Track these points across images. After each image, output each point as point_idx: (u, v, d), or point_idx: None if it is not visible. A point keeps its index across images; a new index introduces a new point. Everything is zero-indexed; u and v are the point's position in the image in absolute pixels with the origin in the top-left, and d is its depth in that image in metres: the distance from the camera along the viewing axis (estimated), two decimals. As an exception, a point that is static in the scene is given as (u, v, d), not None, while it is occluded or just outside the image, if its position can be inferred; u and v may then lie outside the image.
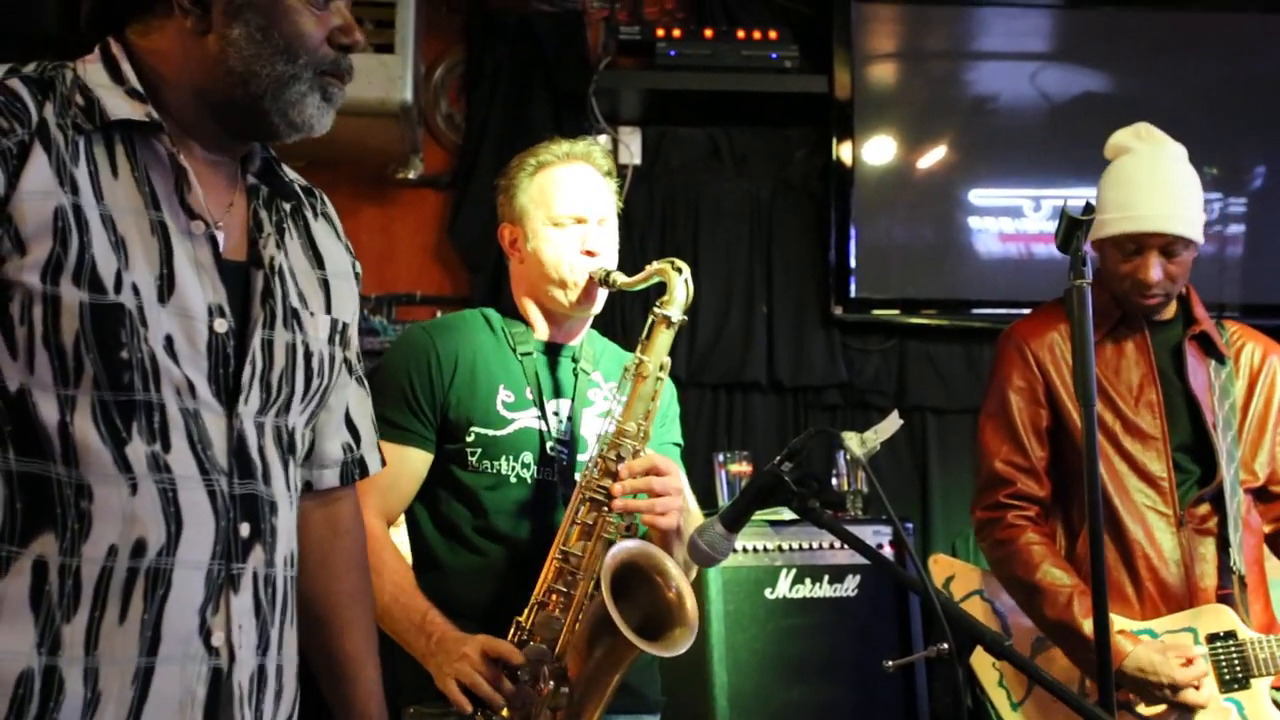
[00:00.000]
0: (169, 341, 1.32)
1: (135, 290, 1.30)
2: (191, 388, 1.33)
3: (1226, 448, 2.52)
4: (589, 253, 2.17)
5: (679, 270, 2.15)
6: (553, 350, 2.23)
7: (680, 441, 2.32)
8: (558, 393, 2.19)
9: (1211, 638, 2.45)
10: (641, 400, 2.08)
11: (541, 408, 2.15)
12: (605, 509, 2.03)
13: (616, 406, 2.10)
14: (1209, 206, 4.13)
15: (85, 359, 1.28)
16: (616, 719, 2.09)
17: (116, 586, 1.28)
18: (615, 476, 2.03)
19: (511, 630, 1.99)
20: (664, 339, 2.12)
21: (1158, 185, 2.52)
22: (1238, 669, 2.44)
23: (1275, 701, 2.45)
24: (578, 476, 2.11)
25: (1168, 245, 2.49)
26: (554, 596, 2.00)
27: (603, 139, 3.99)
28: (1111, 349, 2.57)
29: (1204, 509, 2.51)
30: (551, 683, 1.95)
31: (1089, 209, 2.01)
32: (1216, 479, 2.50)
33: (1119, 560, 2.49)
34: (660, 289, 2.17)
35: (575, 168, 2.23)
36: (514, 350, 2.19)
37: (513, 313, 2.25)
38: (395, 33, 3.42)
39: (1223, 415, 2.54)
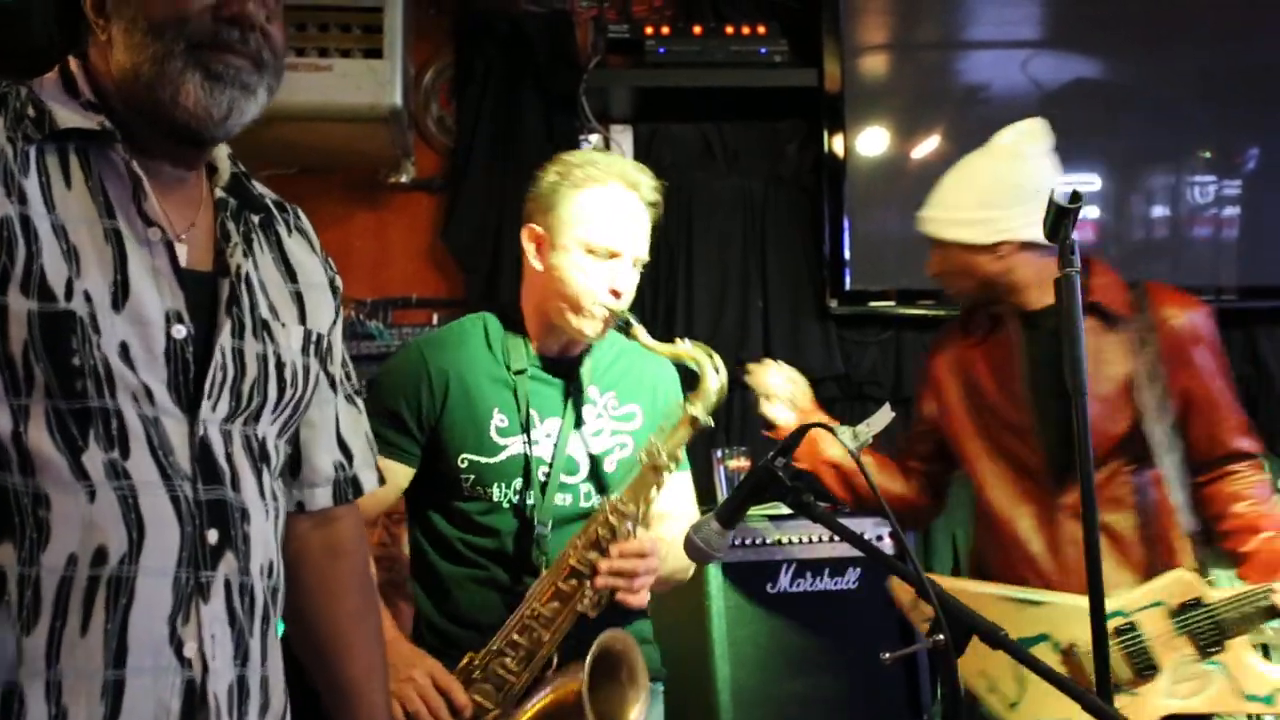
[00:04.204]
0: (124, 348, 1.30)
1: (87, 297, 1.28)
2: (149, 394, 1.31)
3: (1166, 438, 2.50)
4: (615, 292, 2.12)
5: (714, 364, 2.11)
6: (549, 367, 2.18)
7: (686, 464, 2.30)
8: (549, 412, 2.16)
9: (1181, 608, 2.45)
10: (646, 486, 2.07)
11: (528, 432, 2.12)
12: (587, 583, 2.02)
13: (619, 492, 2.08)
14: (1204, 189, 4.14)
15: (35, 367, 1.25)
16: None
17: (77, 596, 1.25)
18: (603, 551, 2.03)
19: (464, 662, 2.02)
20: (683, 435, 2.11)
21: (940, 187, 2.62)
22: (1213, 634, 2.44)
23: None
24: (560, 500, 2.11)
25: (939, 245, 2.60)
26: (513, 650, 2.01)
27: (594, 138, 4.00)
28: (993, 346, 2.63)
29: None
30: None
31: (1076, 197, 2.01)
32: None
33: (1009, 560, 2.57)
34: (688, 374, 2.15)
35: (625, 195, 2.14)
36: (509, 368, 2.14)
37: (514, 319, 2.20)
38: (383, 37, 3.42)
39: (1155, 402, 2.51)
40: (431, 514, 2.16)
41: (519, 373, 2.14)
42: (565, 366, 2.19)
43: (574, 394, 2.17)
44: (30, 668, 1.23)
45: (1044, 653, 2.44)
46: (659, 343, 2.14)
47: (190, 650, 1.31)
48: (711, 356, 2.11)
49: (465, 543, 2.12)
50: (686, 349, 2.13)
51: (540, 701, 2.00)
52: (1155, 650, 2.44)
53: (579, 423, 2.16)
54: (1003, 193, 2.53)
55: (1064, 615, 2.46)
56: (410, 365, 2.15)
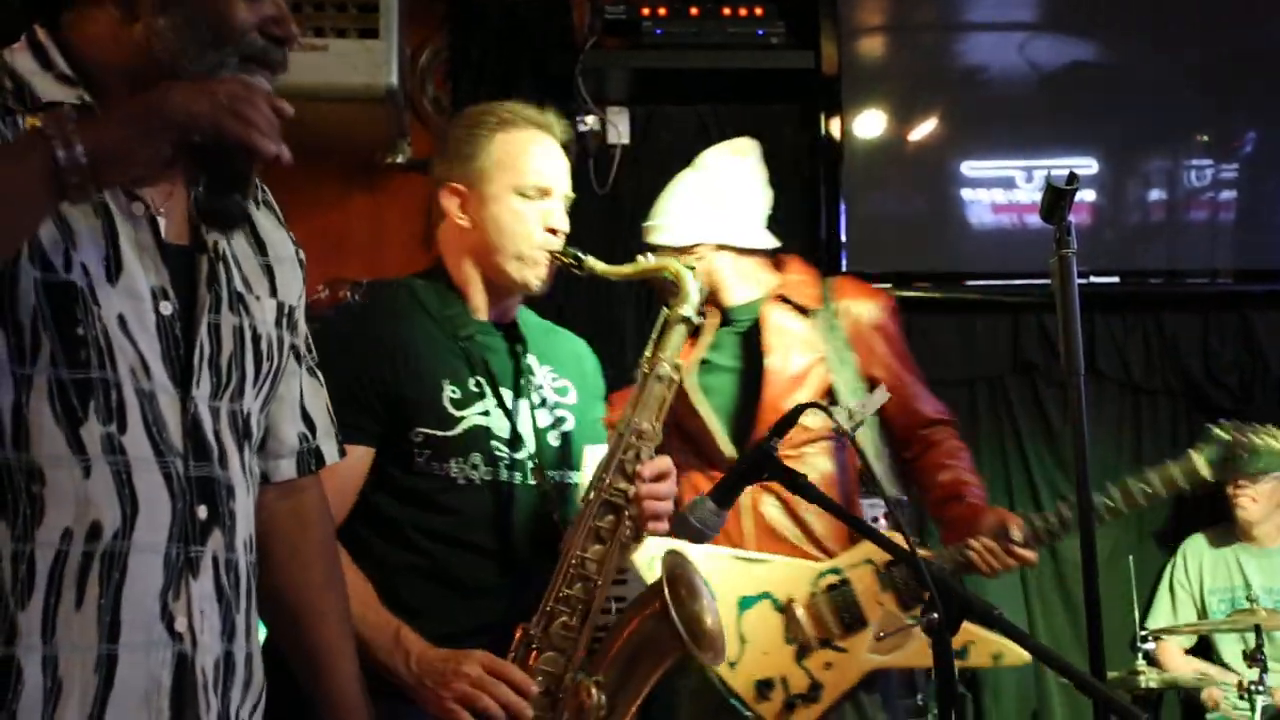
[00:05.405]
0: (122, 320, 1.31)
1: (85, 270, 1.29)
2: (146, 368, 1.32)
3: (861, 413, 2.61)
4: (552, 230, 2.05)
5: (691, 267, 2.05)
6: (493, 332, 2.08)
7: (605, 434, 2.17)
8: (502, 381, 2.04)
9: (887, 565, 2.59)
10: (655, 400, 1.98)
11: (497, 397, 2.01)
12: (625, 513, 1.93)
13: (631, 410, 1.98)
14: (1200, 173, 4.15)
15: (43, 335, 1.27)
16: None
17: (71, 571, 1.27)
18: (631, 479, 1.94)
19: (518, 636, 1.90)
20: (677, 338, 2.02)
21: (659, 200, 2.83)
22: (914, 589, 2.57)
23: None
24: (517, 478, 2.01)
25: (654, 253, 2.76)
26: (567, 605, 1.90)
27: (591, 120, 3.99)
28: (694, 342, 2.73)
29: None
30: (593, 691, 1.86)
31: (1072, 179, 2.01)
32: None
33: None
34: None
35: (542, 137, 2.08)
36: (454, 336, 2.03)
37: (442, 284, 2.08)
38: (379, 17, 3.40)
39: (847, 383, 2.66)
40: (375, 495, 1.99)
41: (466, 339, 2.03)
42: (504, 332, 2.10)
43: (519, 363, 2.08)
44: (26, 641, 1.25)
45: (766, 610, 2.60)
46: (623, 266, 2.07)
47: (181, 625, 1.32)
48: (681, 265, 2.06)
49: (416, 525, 1.97)
50: (653, 262, 2.07)
51: (623, 635, 1.90)
52: (864, 605, 2.58)
53: (526, 393, 2.07)
54: (702, 201, 2.78)
55: (783, 574, 2.61)
56: (358, 333, 2.01)
